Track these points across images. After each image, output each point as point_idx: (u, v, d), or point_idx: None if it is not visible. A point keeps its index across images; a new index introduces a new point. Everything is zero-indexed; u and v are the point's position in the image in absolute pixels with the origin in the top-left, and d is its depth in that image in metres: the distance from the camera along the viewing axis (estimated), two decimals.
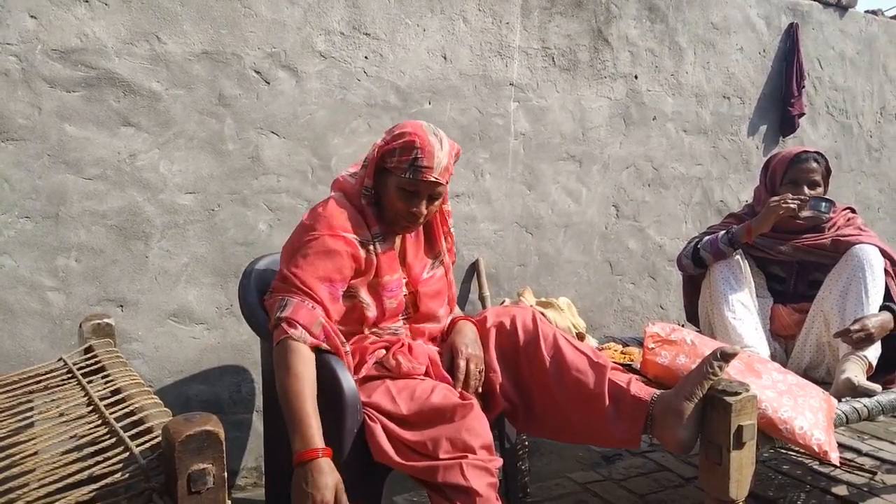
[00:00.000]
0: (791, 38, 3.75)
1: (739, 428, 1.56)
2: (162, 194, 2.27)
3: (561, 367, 1.68)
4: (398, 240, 1.75)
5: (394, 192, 1.63)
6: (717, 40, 3.53)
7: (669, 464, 2.71)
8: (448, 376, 1.66)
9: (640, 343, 2.33)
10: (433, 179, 1.60)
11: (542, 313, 2.01)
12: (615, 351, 2.29)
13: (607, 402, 1.64)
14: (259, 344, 2.08)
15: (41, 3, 2.04)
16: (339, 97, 2.54)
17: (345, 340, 1.61)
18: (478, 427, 1.49)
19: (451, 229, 1.86)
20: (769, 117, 3.80)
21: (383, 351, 1.64)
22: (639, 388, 1.65)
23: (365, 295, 1.65)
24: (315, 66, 2.49)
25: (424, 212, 1.64)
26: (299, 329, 1.50)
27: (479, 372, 1.68)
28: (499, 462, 1.49)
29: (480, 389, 1.70)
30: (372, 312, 1.66)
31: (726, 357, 1.59)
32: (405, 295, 1.73)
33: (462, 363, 1.65)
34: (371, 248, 1.64)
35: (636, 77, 3.29)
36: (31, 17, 2.04)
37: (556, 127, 3.08)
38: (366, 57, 2.58)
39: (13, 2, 2.01)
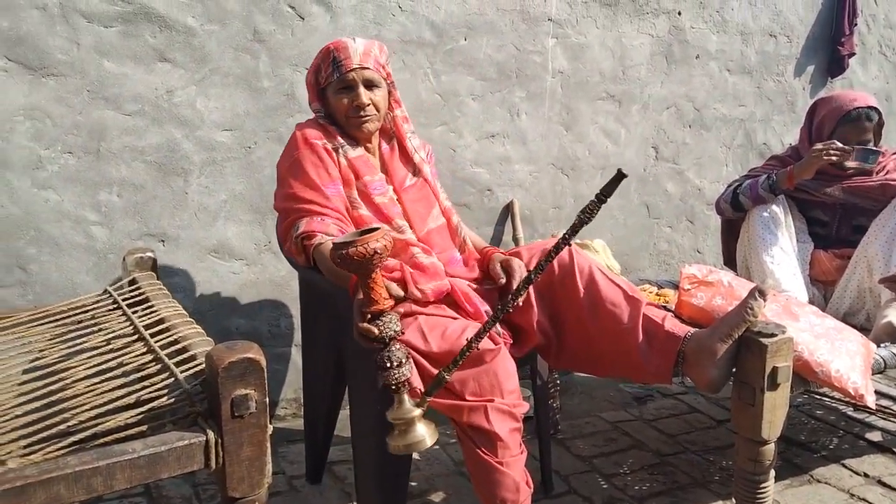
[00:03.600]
0: None
1: (774, 369, 1.55)
2: (199, 131, 2.28)
3: (595, 300, 1.67)
4: (375, 153, 1.85)
5: (335, 98, 1.76)
6: None
7: (701, 406, 2.72)
8: (481, 311, 1.66)
9: (675, 286, 2.31)
10: (357, 65, 1.73)
11: None
12: (650, 293, 2.28)
13: (640, 336, 1.63)
14: (297, 279, 2.11)
15: None
16: (374, 33, 2.50)
17: None
18: (505, 371, 1.47)
19: (414, 135, 1.92)
20: (817, 57, 3.65)
21: (394, 284, 1.59)
22: (673, 325, 1.64)
23: (355, 197, 1.75)
24: (349, 1, 2.44)
25: (366, 100, 1.74)
26: (319, 236, 1.60)
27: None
28: (525, 407, 1.48)
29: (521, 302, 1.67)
30: (365, 211, 1.73)
31: (763, 294, 1.57)
32: (396, 200, 1.81)
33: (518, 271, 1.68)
34: (341, 151, 1.76)
35: (679, 13, 3.17)
36: None
37: (595, 65, 3.00)
38: None
39: None
